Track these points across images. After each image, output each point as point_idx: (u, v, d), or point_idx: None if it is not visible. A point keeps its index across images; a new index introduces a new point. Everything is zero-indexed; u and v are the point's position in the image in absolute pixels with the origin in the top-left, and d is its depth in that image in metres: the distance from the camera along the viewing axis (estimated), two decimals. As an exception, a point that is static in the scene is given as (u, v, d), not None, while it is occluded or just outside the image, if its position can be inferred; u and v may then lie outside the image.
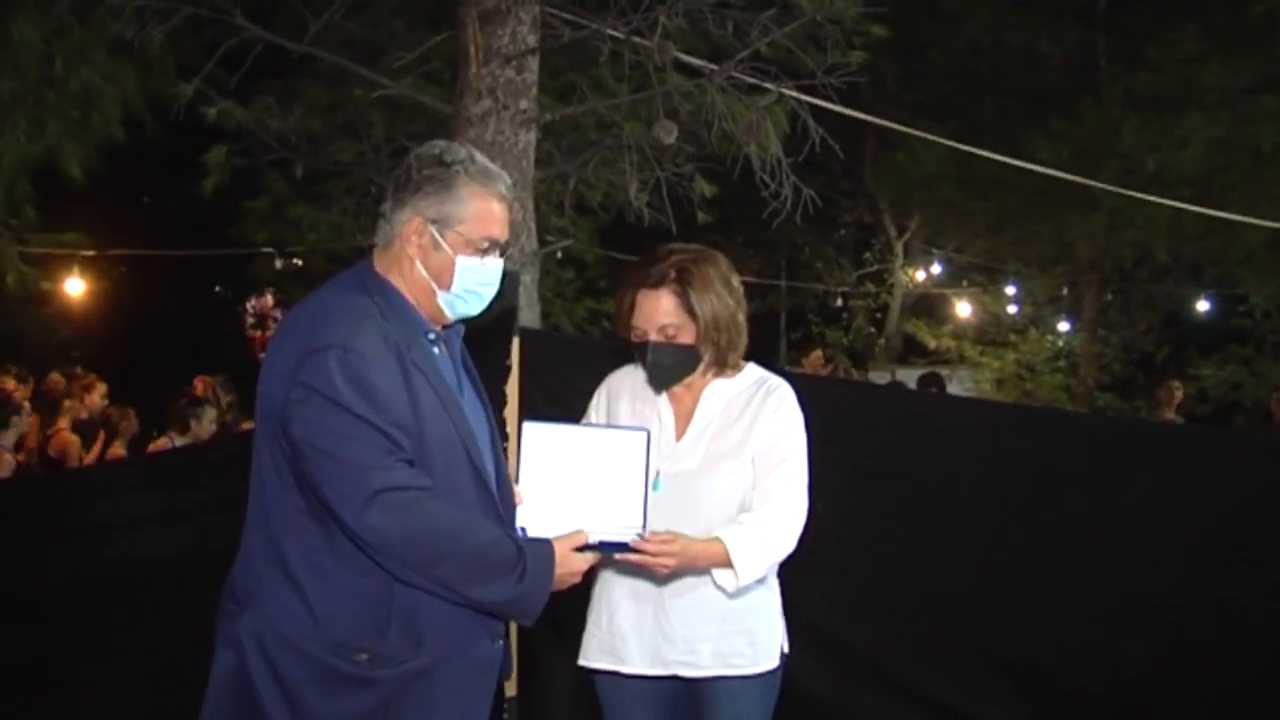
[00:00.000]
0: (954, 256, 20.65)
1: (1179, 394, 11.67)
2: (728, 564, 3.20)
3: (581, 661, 3.50)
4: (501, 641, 2.84)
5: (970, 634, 4.82)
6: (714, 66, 6.40)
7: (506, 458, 3.26)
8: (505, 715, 5.06)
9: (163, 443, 8.51)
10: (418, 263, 2.81)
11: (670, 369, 3.37)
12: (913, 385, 13.00)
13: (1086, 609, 4.67)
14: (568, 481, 3.10)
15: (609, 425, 3.46)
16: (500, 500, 2.89)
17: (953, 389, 16.84)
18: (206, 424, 8.40)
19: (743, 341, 3.42)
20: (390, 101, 7.74)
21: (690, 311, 3.30)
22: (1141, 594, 4.61)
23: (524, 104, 6.08)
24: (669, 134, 6.27)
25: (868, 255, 23.03)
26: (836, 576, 4.73)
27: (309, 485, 2.63)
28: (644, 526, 3.12)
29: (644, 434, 3.19)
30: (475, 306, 2.88)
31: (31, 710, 4.95)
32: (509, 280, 5.32)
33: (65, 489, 5.92)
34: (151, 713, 4.74)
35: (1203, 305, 19.27)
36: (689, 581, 3.31)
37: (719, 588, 3.27)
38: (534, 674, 4.94)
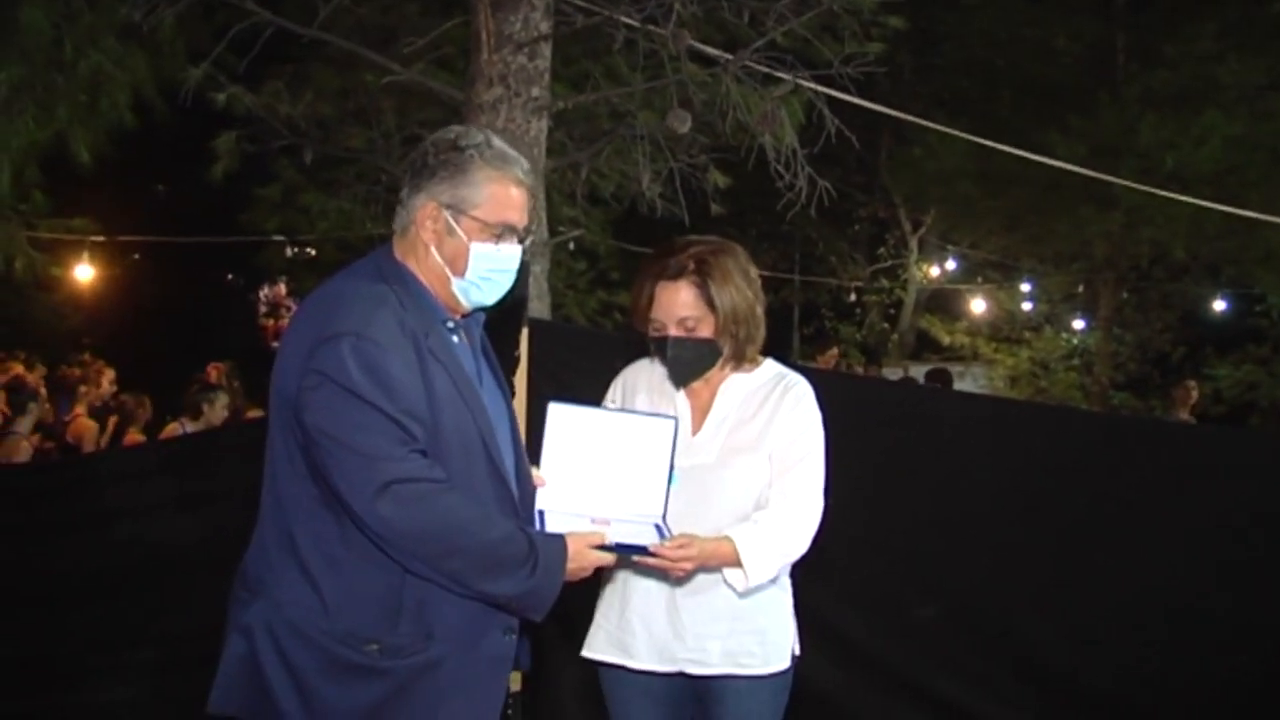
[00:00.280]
0: (969, 253, 20.60)
1: (1195, 394, 11.56)
2: (738, 563, 3.16)
3: (586, 653, 3.45)
4: (513, 635, 2.81)
5: (983, 634, 4.78)
6: (729, 56, 6.31)
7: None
8: (509, 711, 5.02)
9: (174, 428, 8.51)
10: (432, 248, 2.78)
11: (690, 364, 3.33)
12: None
13: (1100, 608, 4.66)
14: (590, 465, 3.08)
15: (637, 411, 3.40)
16: (520, 490, 2.88)
17: (966, 386, 16.82)
18: (219, 409, 8.38)
19: (761, 335, 3.37)
20: (402, 88, 7.68)
21: (710, 304, 3.25)
22: (1155, 593, 4.60)
23: (536, 91, 6.02)
24: (683, 123, 6.21)
25: (882, 250, 23.03)
26: (849, 576, 4.68)
27: (321, 474, 2.61)
28: (664, 516, 3.11)
29: (672, 422, 3.17)
30: (491, 294, 2.84)
31: (51, 693, 4.98)
32: (520, 271, 5.32)
33: (82, 473, 5.93)
34: (166, 699, 4.72)
35: (1219, 305, 19.23)
36: (701, 580, 3.26)
37: (730, 586, 3.23)
38: (539, 668, 4.89)
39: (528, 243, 2.88)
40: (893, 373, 17.24)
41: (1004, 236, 17.28)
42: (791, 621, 3.42)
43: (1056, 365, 18.05)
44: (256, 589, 2.72)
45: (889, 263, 22.77)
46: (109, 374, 11.25)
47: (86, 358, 12.78)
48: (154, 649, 4.89)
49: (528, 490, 2.98)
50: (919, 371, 15.87)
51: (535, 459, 3.06)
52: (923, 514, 4.81)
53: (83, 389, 10.00)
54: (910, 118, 9.74)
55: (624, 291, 15.09)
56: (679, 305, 3.26)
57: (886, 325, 23.03)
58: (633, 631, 3.36)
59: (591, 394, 3.59)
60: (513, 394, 4.72)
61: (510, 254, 2.80)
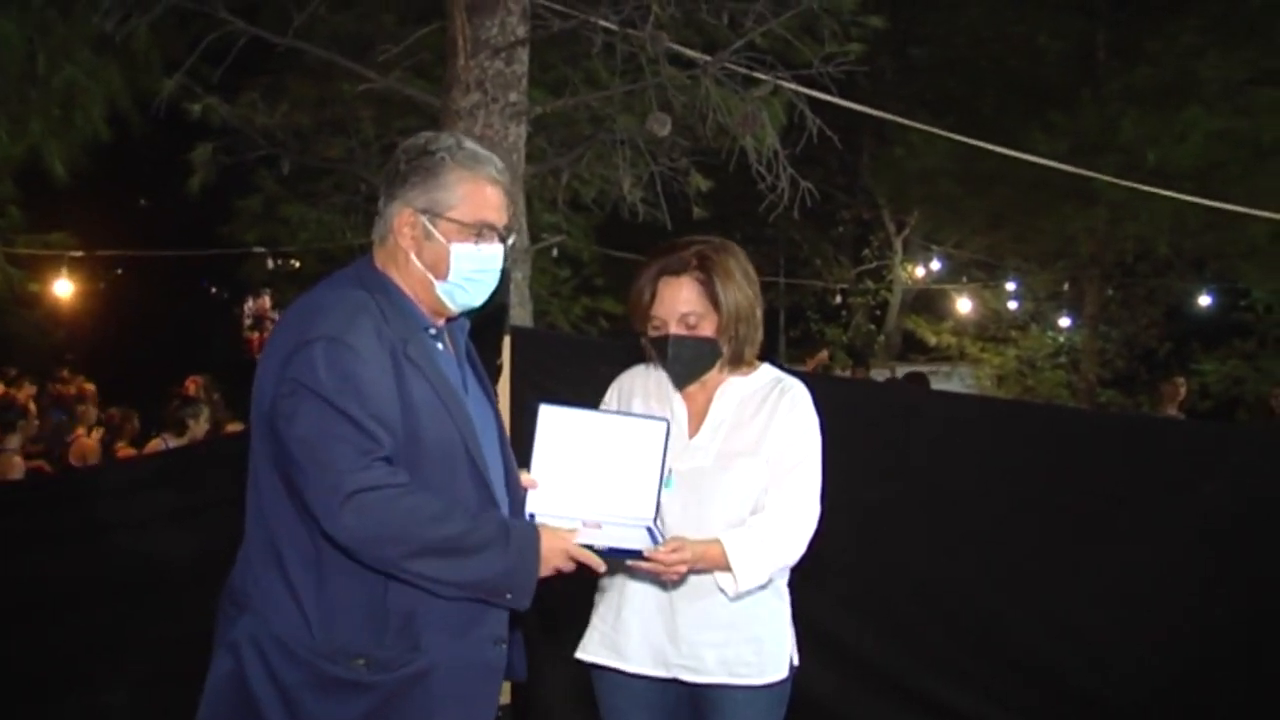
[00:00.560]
0: (954, 252, 20.62)
1: (1183, 390, 11.56)
2: (728, 567, 3.13)
3: (580, 654, 3.41)
4: (503, 646, 2.78)
5: (980, 637, 4.75)
6: (708, 58, 6.28)
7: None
8: (498, 721, 4.97)
9: (157, 444, 8.43)
10: (412, 255, 2.77)
11: (691, 363, 3.30)
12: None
13: (1097, 609, 4.64)
14: (581, 468, 3.06)
15: (629, 413, 3.38)
16: (509, 497, 2.88)
17: (953, 386, 16.83)
18: (203, 423, 8.33)
19: (758, 337, 3.35)
20: (379, 96, 7.64)
21: (713, 301, 3.24)
22: (1153, 593, 4.57)
23: (514, 96, 5.98)
24: (663, 127, 6.19)
25: (867, 252, 23.03)
26: (847, 584, 4.65)
27: (292, 486, 2.60)
28: (656, 518, 3.10)
29: (664, 424, 3.15)
30: (477, 295, 2.82)
31: (44, 709, 4.95)
32: (501, 278, 5.29)
33: (75, 488, 5.90)
34: (156, 711, 4.70)
35: (1205, 300, 19.27)
36: (698, 584, 3.23)
37: (721, 590, 3.19)
38: (530, 678, 4.85)
39: (510, 242, 2.87)
40: (880, 374, 17.23)
41: (988, 235, 17.32)
42: (790, 631, 3.38)
43: (1043, 364, 18.05)
44: (243, 604, 2.70)
45: (874, 264, 22.77)
46: (89, 389, 11.23)
47: (65, 374, 12.70)
48: (144, 662, 4.86)
49: (518, 496, 2.96)
50: (906, 373, 15.83)
51: (522, 465, 3.02)
52: (915, 517, 4.80)
53: (81, 408, 9.95)
54: (891, 117, 9.73)
55: (608, 298, 15.10)
56: (682, 301, 3.24)
57: (873, 327, 23.03)
58: (628, 634, 3.32)
59: (575, 400, 3.56)
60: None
61: (492, 253, 2.79)
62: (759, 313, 3.34)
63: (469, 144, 2.82)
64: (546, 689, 4.97)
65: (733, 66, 6.29)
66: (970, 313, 21.17)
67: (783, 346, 23.56)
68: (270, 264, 15.96)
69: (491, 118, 5.93)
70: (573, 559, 2.76)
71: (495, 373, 4.88)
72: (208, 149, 7.83)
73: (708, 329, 3.26)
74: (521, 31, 5.97)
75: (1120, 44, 14.89)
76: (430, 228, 2.74)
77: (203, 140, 7.99)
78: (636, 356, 3.53)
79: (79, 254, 15.02)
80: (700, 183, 7.61)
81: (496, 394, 4.72)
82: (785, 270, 23.50)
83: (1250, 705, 4.52)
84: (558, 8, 6.45)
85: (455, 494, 2.67)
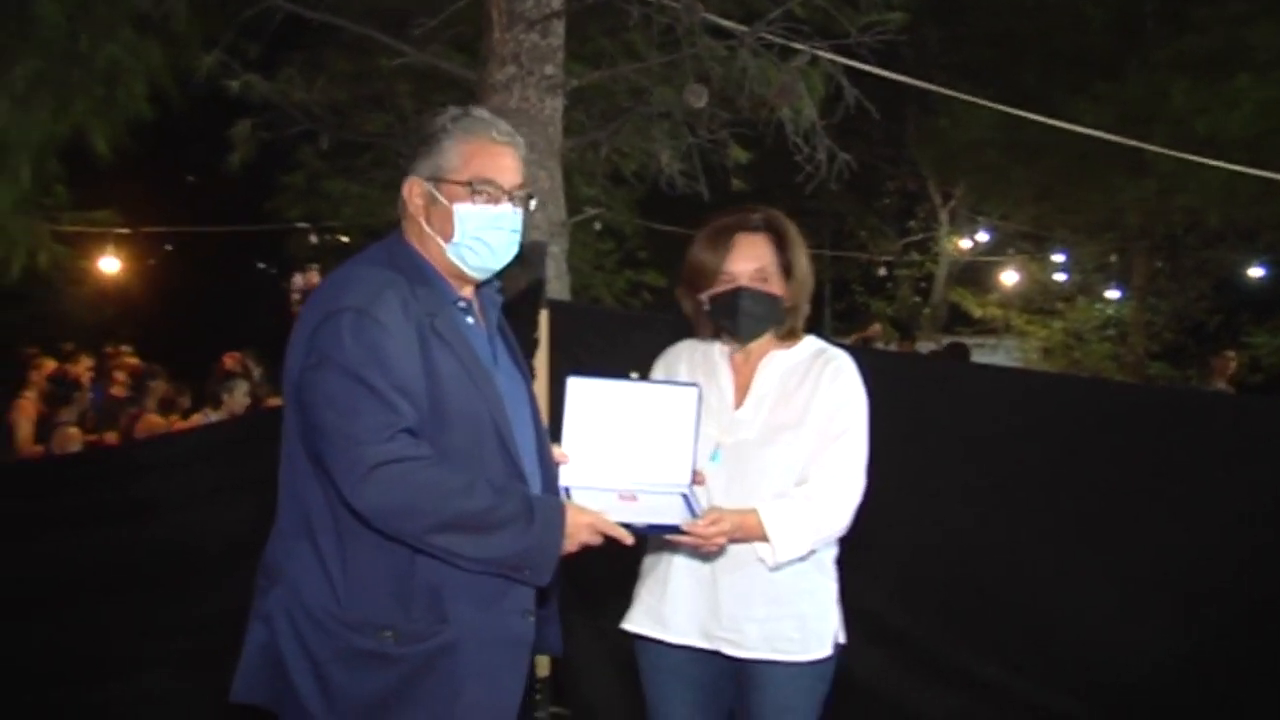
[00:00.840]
0: (1000, 224, 20.44)
1: (1233, 363, 11.43)
2: (765, 537, 3.13)
3: (625, 625, 3.42)
4: (531, 617, 2.78)
5: (1023, 616, 4.68)
6: (745, 28, 6.22)
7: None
8: (538, 696, 4.99)
9: (197, 419, 8.53)
10: (423, 221, 2.82)
11: (760, 318, 3.31)
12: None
13: (1146, 590, 4.53)
14: (613, 438, 3.06)
15: (657, 380, 3.41)
16: (542, 471, 2.89)
17: (999, 359, 16.70)
18: (239, 397, 8.42)
19: (807, 310, 3.39)
20: (417, 71, 7.64)
21: (784, 264, 3.30)
22: (1201, 573, 4.46)
23: (549, 69, 5.96)
24: (699, 98, 6.14)
25: (912, 223, 22.88)
26: (893, 562, 4.60)
27: (317, 456, 2.63)
28: (691, 485, 3.08)
29: (694, 389, 3.15)
30: (488, 257, 2.82)
31: (90, 682, 5.00)
32: (535, 251, 5.28)
33: (124, 461, 5.97)
34: (200, 688, 4.73)
35: (1256, 271, 18.98)
36: (739, 557, 3.22)
37: (760, 560, 3.19)
38: (569, 651, 4.86)
39: (529, 204, 2.88)
40: (925, 347, 17.13)
41: (1035, 206, 17.17)
42: (835, 609, 3.36)
43: (1090, 336, 17.93)
44: (275, 576, 2.74)
45: (919, 236, 22.63)
46: (132, 362, 11.38)
47: (109, 349, 12.84)
48: (190, 638, 4.90)
49: (550, 470, 2.97)
50: (947, 344, 15.74)
51: (558, 437, 3.03)
52: (960, 494, 4.73)
53: (151, 384, 10.06)
54: (933, 87, 9.62)
55: (652, 271, 15.07)
56: (758, 256, 3.29)
57: (918, 299, 22.90)
58: (673, 605, 3.33)
59: (611, 373, 3.55)
60: (533, 376, 4.72)
61: (497, 212, 2.79)
62: (812, 283, 3.39)
63: (478, 112, 2.85)
64: (585, 662, 4.98)
65: (770, 37, 6.23)
66: (1016, 285, 21.01)
67: (828, 319, 23.49)
68: (314, 239, 16.07)
69: (527, 91, 5.90)
70: (600, 533, 2.76)
71: (532, 347, 4.87)
72: (247, 125, 7.86)
73: (775, 289, 3.29)
74: (556, 4, 5.94)
75: (1168, 11, 14.65)
76: (435, 192, 2.78)
77: (245, 117, 8.02)
78: (674, 330, 3.54)
79: (124, 231, 15.15)
80: (740, 155, 7.56)
81: (533, 368, 4.75)
82: (830, 243, 23.41)
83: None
84: (594, -22, 6.42)
85: (482, 467, 2.68)
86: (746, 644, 3.25)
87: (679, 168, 7.14)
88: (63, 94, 7.67)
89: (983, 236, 22.38)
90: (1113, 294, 19.29)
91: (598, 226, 13.56)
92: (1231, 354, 11.79)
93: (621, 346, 4.90)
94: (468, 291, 2.88)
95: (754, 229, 3.31)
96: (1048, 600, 4.65)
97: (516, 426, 2.81)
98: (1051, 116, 9.73)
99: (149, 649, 5.00)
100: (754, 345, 3.36)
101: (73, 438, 8.89)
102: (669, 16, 6.18)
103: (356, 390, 2.55)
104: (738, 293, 3.27)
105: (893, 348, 15.45)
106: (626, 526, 2.81)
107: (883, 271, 23.58)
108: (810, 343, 3.40)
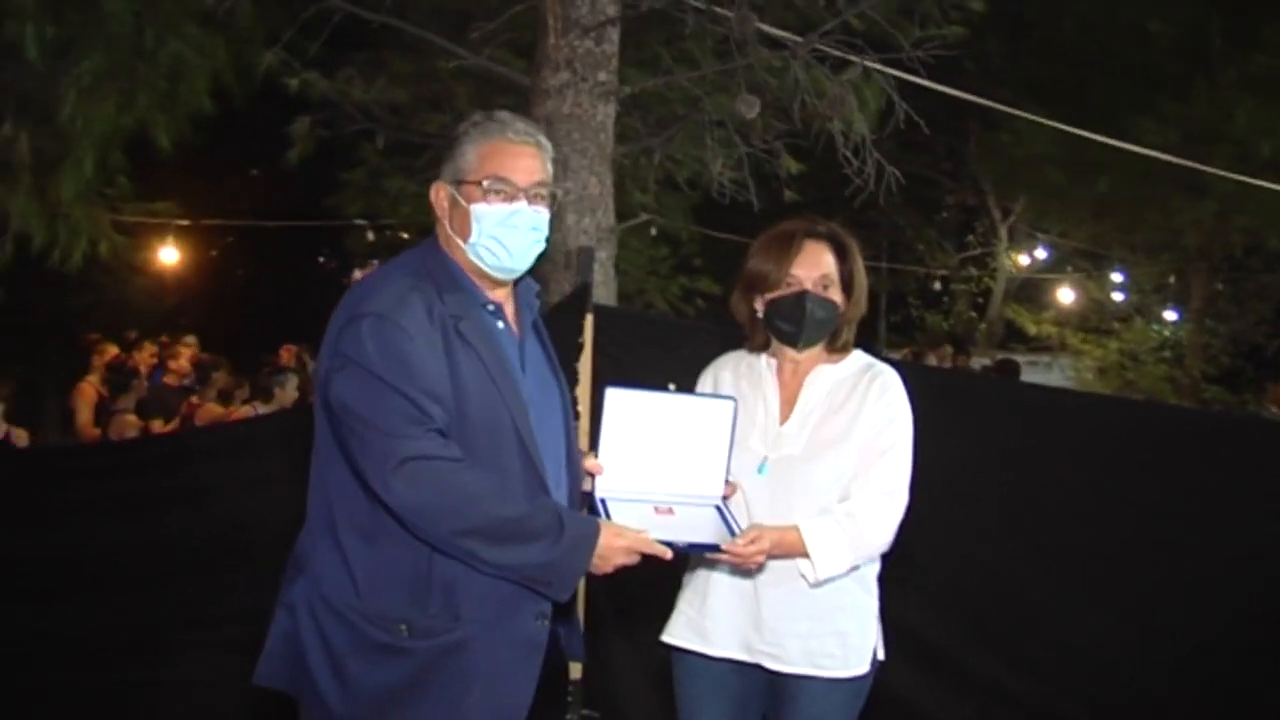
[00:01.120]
0: (1059, 241, 20.27)
1: (1290, 389, 11.24)
2: (806, 553, 3.13)
3: (665, 637, 3.43)
4: (545, 621, 2.80)
5: (1069, 640, 4.65)
6: (798, 39, 6.22)
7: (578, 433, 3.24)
8: (569, 699, 5.02)
9: (247, 411, 8.63)
10: (447, 224, 2.87)
11: (821, 324, 3.31)
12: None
13: (1192, 614, 4.49)
14: (650, 449, 3.06)
15: (695, 393, 3.42)
16: (568, 478, 2.93)
17: (1053, 377, 16.56)
18: (290, 391, 8.52)
19: (856, 326, 3.40)
20: (476, 73, 7.69)
21: (845, 274, 3.32)
22: (1255, 600, 4.40)
23: (603, 76, 5.99)
24: (751, 109, 6.15)
25: (971, 238, 22.71)
26: (933, 580, 4.59)
27: (347, 452, 2.68)
28: (724, 498, 3.10)
29: (731, 403, 3.14)
30: (506, 256, 2.84)
31: (142, 667, 5.13)
32: (583, 256, 5.31)
33: (178, 449, 6.06)
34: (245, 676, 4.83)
35: (1318, 297, 18.67)
36: (782, 573, 3.22)
37: (802, 576, 3.19)
38: (601, 657, 4.89)
39: (544, 202, 2.89)
40: (979, 363, 17.01)
41: (1094, 225, 17.01)
42: (875, 626, 3.36)
43: (1146, 357, 17.71)
44: (301, 567, 2.81)
45: (977, 251, 22.48)
46: (188, 353, 11.54)
47: (164, 338, 13.02)
48: (237, 626, 4.97)
49: (576, 477, 3.00)
50: (997, 360, 15.62)
51: (596, 445, 3.04)
52: (1005, 513, 4.71)
53: (215, 375, 10.22)
54: (989, 103, 9.53)
55: (706, 278, 15.06)
56: (824, 264, 3.30)
57: (974, 314, 22.74)
58: (715, 619, 3.33)
59: (654, 379, 3.57)
60: (576, 381, 4.75)
61: (512, 210, 2.82)
62: (865, 299, 3.40)
63: (500, 115, 2.88)
64: (618, 667, 5.01)
65: (825, 49, 6.22)
66: (1073, 303, 20.81)
67: (883, 332, 23.37)
68: (371, 236, 16.20)
69: (580, 96, 5.94)
70: (637, 553, 2.78)
71: (577, 351, 4.90)
72: (305, 122, 7.96)
73: (835, 298, 3.31)
74: (612, 11, 5.98)
75: (1236, 30, 14.48)
76: (456, 195, 2.83)
77: (307, 114, 8.12)
78: (719, 338, 3.56)
79: (184, 222, 15.35)
80: (792, 165, 7.55)
81: (577, 372, 4.78)
82: (888, 255, 23.29)
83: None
84: (650, -14, 6.44)
85: (501, 468, 2.71)
86: (787, 658, 3.24)
87: (731, 176, 7.14)
88: (128, 88, 7.81)
89: (1041, 253, 22.21)
90: (1170, 315, 19.08)
91: (653, 232, 13.57)
92: (1289, 379, 11.62)
93: (665, 353, 4.93)
94: (499, 294, 2.90)
95: (819, 236, 3.32)
96: (1085, 620, 4.63)
97: (542, 433, 2.83)
98: (1115, 134, 9.66)
99: (197, 634, 5.09)
100: (802, 358, 3.36)
101: (130, 424, 9.07)
102: (724, 26, 6.20)
103: (382, 390, 2.60)
104: (803, 295, 3.27)
105: (946, 362, 15.36)
106: (667, 544, 2.81)
107: (938, 286, 23.43)
108: (857, 357, 3.40)
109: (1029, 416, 4.96)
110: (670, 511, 2.99)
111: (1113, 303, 19.88)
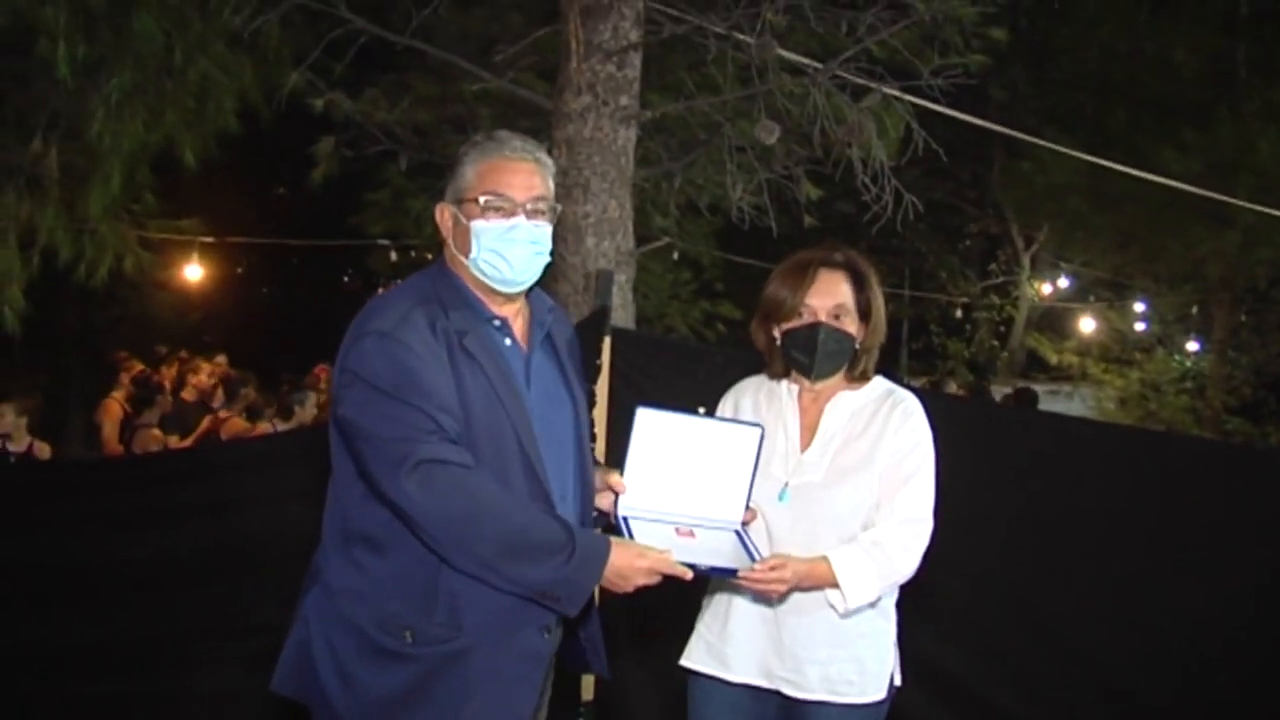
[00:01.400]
0: (1081, 270, 20.21)
1: (1315, 423, 11.20)
2: (835, 584, 3.13)
3: (684, 662, 3.44)
4: (549, 635, 2.85)
5: (1085, 668, 4.64)
6: (818, 65, 6.25)
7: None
8: (580, 718, 5.03)
9: (265, 428, 8.69)
10: (451, 243, 2.93)
11: (834, 355, 3.32)
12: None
13: (1211, 646, 4.47)
14: (675, 471, 3.07)
15: (724, 418, 3.42)
16: (580, 494, 2.98)
17: (1074, 407, 16.48)
18: (309, 409, 8.59)
19: (877, 355, 3.39)
20: (500, 96, 7.74)
21: (863, 304, 3.32)
22: (1270, 632, 4.39)
23: (624, 100, 6.03)
24: (770, 135, 6.17)
25: (993, 266, 22.67)
26: (950, 607, 4.59)
27: (359, 465, 2.74)
28: (744, 524, 3.12)
29: (758, 430, 3.16)
30: (506, 270, 2.88)
31: (159, 677, 5.17)
32: (602, 279, 5.34)
33: (199, 464, 6.12)
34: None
35: (1341, 329, 18.56)
36: (806, 600, 3.23)
37: (831, 607, 3.19)
38: (615, 679, 4.90)
39: (543, 217, 2.92)
40: (1000, 392, 16.95)
41: (1117, 254, 16.96)
42: (893, 652, 3.36)
43: (1168, 388, 17.61)
44: (316, 578, 2.89)
45: (1000, 279, 22.43)
46: (207, 368, 11.65)
47: (183, 354, 13.13)
48: (257, 639, 5.00)
49: (589, 495, 3.03)
50: (1016, 389, 15.56)
51: (618, 464, 3.06)
52: (1022, 542, 4.71)
53: (243, 390, 10.31)
54: (1011, 131, 9.55)
55: (727, 302, 15.08)
56: (839, 293, 3.30)
57: (996, 343, 22.68)
58: (734, 644, 3.34)
59: (671, 402, 3.58)
60: (593, 402, 4.77)
61: (509, 225, 2.86)
62: (884, 327, 3.39)
63: (500, 134, 2.93)
64: (630, 687, 5.01)
65: (846, 76, 6.25)
66: (1094, 333, 20.73)
67: (905, 359, 23.32)
68: (394, 256, 16.28)
69: (601, 120, 5.98)
70: (658, 573, 2.79)
71: (594, 373, 4.92)
72: (330, 142, 8.03)
73: (850, 328, 3.30)
74: (634, 36, 6.01)
75: (1260, 60, 14.46)
76: (457, 213, 2.89)
77: (332, 134, 8.19)
78: (737, 364, 3.58)
79: (209, 240, 15.48)
80: (811, 191, 7.57)
81: (594, 394, 4.81)
82: (910, 282, 23.26)
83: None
84: (671, 12, 6.47)
85: (506, 484, 2.75)
86: (806, 685, 3.25)
87: (751, 201, 7.16)
88: (156, 105, 7.88)
89: (1063, 282, 22.16)
90: (1192, 346, 18.99)
91: (675, 256, 13.60)
92: (1312, 413, 11.58)
93: (682, 377, 4.94)
94: (507, 310, 2.95)
95: (835, 265, 3.31)
96: (1102, 648, 4.63)
97: (548, 447, 2.87)
98: (1138, 164, 9.67)
99: (214, 647, 5.12)
100: (822, 385, 3.36)
101: (155, 439, 9.14)
102: (746, 53, 6.23)
103: (390, 403, 2.65)
104: (816, 327, 3.28)
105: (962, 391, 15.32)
106: (689, 566, 2.83)
107: (960, 313, 23.38)
108: (878, 383, 3.40)
109: (1046, 445, 4.97)
110: (691, 534, 3.01)
111: (1135, 333, 19.78)
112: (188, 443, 9.31)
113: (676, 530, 3.00)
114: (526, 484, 2.79)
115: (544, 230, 2.91)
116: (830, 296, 3.29)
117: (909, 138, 6.47)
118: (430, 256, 15.35)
